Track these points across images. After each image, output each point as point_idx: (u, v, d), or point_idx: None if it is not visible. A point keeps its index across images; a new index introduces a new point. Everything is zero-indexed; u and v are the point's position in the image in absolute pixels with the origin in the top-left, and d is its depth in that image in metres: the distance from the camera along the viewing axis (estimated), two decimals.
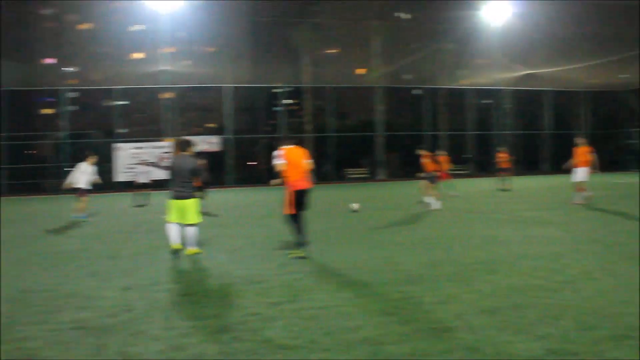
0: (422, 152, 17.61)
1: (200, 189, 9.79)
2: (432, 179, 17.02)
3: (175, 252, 8.92)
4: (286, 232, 9.72)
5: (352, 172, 46.28)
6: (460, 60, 51.37)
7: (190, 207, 9.08)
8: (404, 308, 5.70)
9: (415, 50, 49.94)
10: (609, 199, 17.40)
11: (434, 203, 16.41)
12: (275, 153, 9.13)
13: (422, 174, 17.42)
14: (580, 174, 16.50)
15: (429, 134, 46.31)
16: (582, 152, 16.73)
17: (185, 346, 4.72)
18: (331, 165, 44.11)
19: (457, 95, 51.68)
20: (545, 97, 48.62)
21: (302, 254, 8.75)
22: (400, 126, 51.64)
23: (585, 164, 16.49)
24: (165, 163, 9.70)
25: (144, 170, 21.18)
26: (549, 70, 45.12)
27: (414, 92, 54.08)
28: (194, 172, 9.09)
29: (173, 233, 9.07)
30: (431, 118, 46.46)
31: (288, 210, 8.86)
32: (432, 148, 38.65)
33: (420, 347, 4.53)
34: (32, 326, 5.44)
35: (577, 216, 13.55)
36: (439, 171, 21.21)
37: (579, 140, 17.07)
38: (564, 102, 51.26)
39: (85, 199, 16.04)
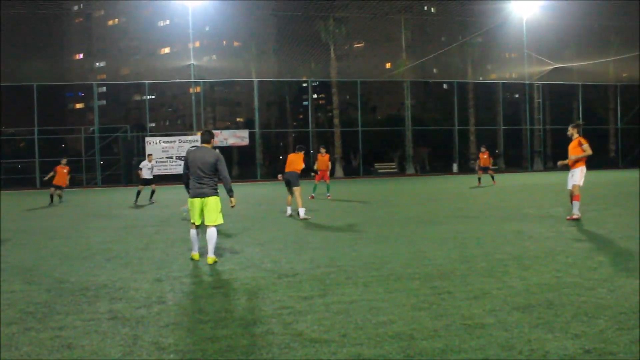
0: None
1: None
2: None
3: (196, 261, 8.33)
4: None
5: (382, 166, 46.10)
6: (488, 54, 50.85)
7: (211, 206, 8.23)
8: (435, 303, 5.67)
9: (443, 44, 49.50)
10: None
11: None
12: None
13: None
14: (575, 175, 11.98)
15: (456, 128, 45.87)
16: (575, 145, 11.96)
17: (219, 338, 4.76)
18: (360, 160, 44.06)
19: (486, 90, 51.17)
20: (575, 91, 47.81)
21: None
22: (428, 120, 51.29)
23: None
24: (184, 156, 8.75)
25: (148, 165, 20.90)
26: (579, 64, 44.36)
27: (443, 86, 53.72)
28: (215, 167, 8.22)
29: (192, 239, 8.48)
30: (460, 112, 45.98)
31: None
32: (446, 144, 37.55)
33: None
34: (68, 316, 5.54)
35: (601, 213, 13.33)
36: (320, 171, 20.37)
37: None
38: (595, 96, 50.43)
39: None
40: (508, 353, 4.26)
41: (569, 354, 4.20)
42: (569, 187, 11.94)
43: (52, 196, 21.11)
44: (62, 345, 4.67)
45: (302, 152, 14.78)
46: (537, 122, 47.01)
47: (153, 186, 21.04)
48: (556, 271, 7.01)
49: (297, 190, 14.06)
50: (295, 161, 14.34)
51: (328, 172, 21.13)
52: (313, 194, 20.41)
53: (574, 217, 11.68)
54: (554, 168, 46.43)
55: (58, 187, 21.25)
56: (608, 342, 4.42)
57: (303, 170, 14.50)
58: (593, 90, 49.35)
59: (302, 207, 14.04)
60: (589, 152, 11.75)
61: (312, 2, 43.84)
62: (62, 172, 21.22)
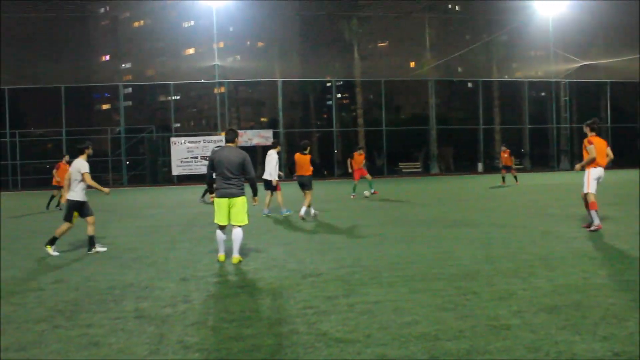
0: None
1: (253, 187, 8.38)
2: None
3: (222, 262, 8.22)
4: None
5: (406, 166, 45.93)
6: (513, 52, 50.33)
7: (238, 207, 8.16)
8: (460, 304, 5.63)
9: (468, 43, 49.11)
10: None
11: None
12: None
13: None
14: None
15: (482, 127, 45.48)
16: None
17: (244, 337, 4.78)
18: (384, 160, 43.93)
19: (511, 88, 50.63)
20: (603, 88, 47.07)
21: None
22: (453, 119, 50.91)
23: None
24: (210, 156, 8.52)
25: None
26: (607, 61, 43.66)
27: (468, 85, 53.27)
28: (242, 167, 8.16)
29: (219, 240, 8.43)
30: (485, 111, 45.56)
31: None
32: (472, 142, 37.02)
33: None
34: (96, 314, 5.62)
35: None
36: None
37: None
38: (623, 93, 49.57)
39: (280, 191, 14.99)
40: (534, 355, 4.21)
41: (598, 357, 4.14)
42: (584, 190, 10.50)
43: (51, 198, 18.73)
44: (89, 343, 4.74)
45: (308, 149, 14.48)
46: (563, 121, 46.38)
47: None
48: (583, 272, 6.90)
49: (309, 193, 14.15)
50: (304, 166, 14.23)
51: (365, 170, 21.34)
52: (354, 194, 20.79)
53: (594, 227, 10.16)
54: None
55: (59, 188, 17.73)
56: (638, 345, 4.34)
57: (313, 172, 14.46)
58: (622, 87, 48.51)
59: (309, 206, 14.09)
60: (593, 155, 10.22)
61: (336, 2, 43.83)
62: (65, 170, 15.83)
